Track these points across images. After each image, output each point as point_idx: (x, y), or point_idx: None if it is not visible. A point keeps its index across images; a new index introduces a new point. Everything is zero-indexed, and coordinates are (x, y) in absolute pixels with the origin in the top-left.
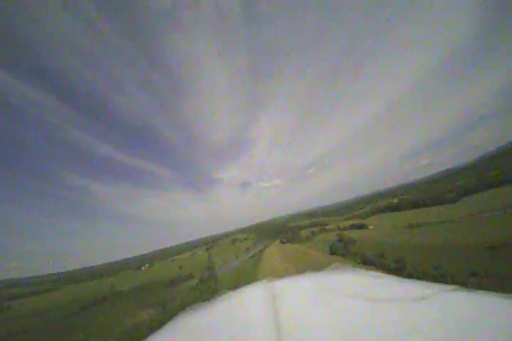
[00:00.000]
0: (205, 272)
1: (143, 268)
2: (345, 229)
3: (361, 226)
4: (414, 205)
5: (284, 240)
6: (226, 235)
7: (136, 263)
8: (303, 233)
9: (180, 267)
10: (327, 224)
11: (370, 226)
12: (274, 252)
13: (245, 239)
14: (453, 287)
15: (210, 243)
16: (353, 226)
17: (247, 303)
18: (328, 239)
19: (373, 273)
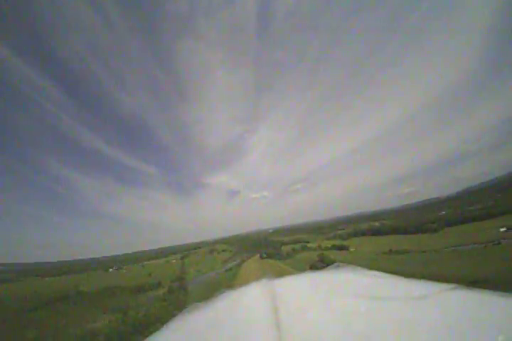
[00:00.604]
0: (176, 282)
1: (111, 270)
2: (326, 248)
3: (342, 248)
4: (396, 231)
5: (264, 255)
6: (204, 244)
7: (105, 264)
8: (284, 249)
9: (149, 274)
10: (308, 242)
11: (351, 249)
12: (253, 268)
13: (223, 251)
14: (453, 286)
15: (187, 251)
16: (334, 247)
17: (247, 303)
18: (309, 258)
19: (373, 272)
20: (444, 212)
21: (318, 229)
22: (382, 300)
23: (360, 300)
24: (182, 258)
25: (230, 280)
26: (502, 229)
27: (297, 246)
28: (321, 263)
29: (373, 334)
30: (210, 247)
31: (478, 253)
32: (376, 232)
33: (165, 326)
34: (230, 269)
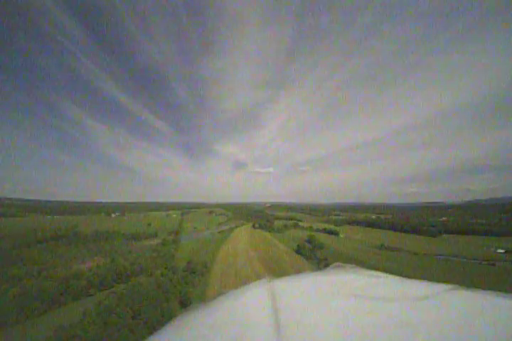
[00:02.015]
0: (171, 235)
1: (113, 215)
2: (317, 230)
3: (333, 232)
4: (391, 227)
5: (257, 225)
6: (205, 205)
7: (109, 209)
8: (277, 224)
9: (149, 224)
10: (301, 221)
11: (341, 235)
12: (244, 234)
13: (221, 214)
14: (453, 286)
15: (188, 209)
16: (325, 230)
17: (247, 303)
18: (298, 236)
19: (373, 272)
20: (445, 218)
21: (314, 211)
22: (382, 301)
23: (360, 301)
24: (182, 214)
25: (220, 242)
26: (500, 250)
27: (290, 223)
28: (308, 244)
29: (373, 335)
30: (210, 209)
31: (471, 270)
32: (371, 224)
33: (165, 326)
34: (223, 231)
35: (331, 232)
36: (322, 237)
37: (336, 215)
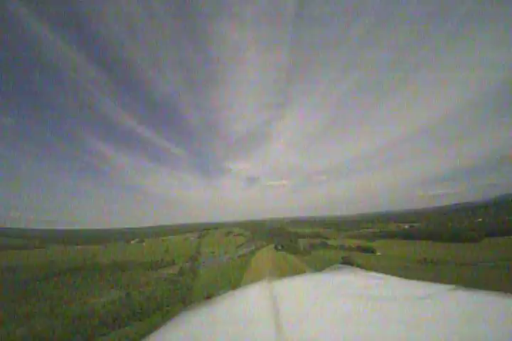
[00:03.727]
0: (189, 262)
1: (132, 242)
2: (350, 249)
3: (368, 250)
4: (429, 236)
5: (279, 247)
6: (221, 225)
7: (128, 236)
8: (301, 243)
9: (166, 250)
10: (328, 238)
11: (378, 252)
12: (266, 258)
13: (239, 235)
14: (453, 286)
15: (205, 230)
16: (358, 248)
17: (248, 303)
18: (329, 257)
19: (373, 273)
20: (480, 219)
21: (340, 224)
22: (382, 301)
23: (360, 301)
24: (199, 236)
25: (240, 270)
26: None
27: (316, 241)
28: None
29: (374, 335)
30: (227, 229)
31: None
32: (406, 236)
33: (165, 326)
34: (243, 256)
35: (366, 250)
36: (358, 257)
37: (365, 228)
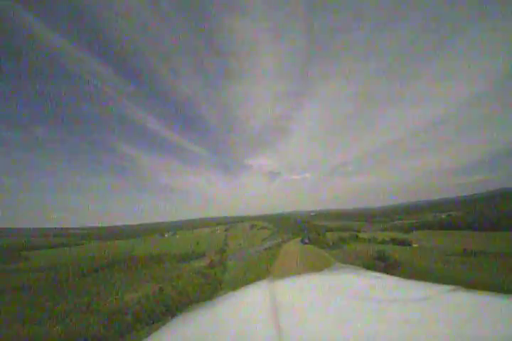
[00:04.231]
0: (218, 254)
1: (166, 235)
2: (383, 242)
3: (403, 242)
4: (468, 226)
5: (306, 240)
6: (246, 218)
7: (162, 230)
8: (330, 236)
9: (197, 242)
10: (359, 231)
11: (414, 244)
12: (294, 251)
13: (263, 228)
14: (453, 287)
15: (230, 223)
16: (393, 241)
17: (248, 303)
18: (361, 251)
19: (374, 273)
20: None
21: (370, 217)
22: (382, 302)
23: (360, 301)
24: (226, 229)
25: (268, 262)
26: None
27: (346, 234)
28: (380, 262)
29: (374, 336)
30: (251, 222)
31: None
32: (444, 226)
33: (165, 326)
34: (270, 248)
35: (401, 243)
36: (393, 250)
37: (398, 220)
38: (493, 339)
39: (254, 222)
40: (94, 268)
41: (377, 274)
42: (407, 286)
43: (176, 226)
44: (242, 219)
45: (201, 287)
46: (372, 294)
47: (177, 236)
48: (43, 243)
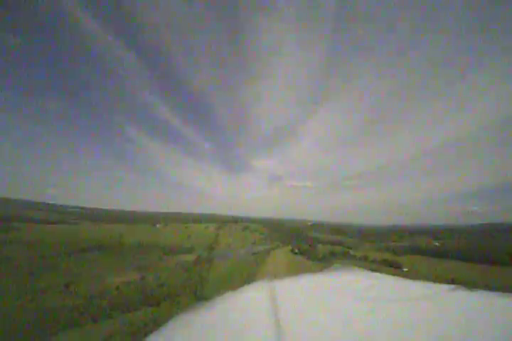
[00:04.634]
0: (206, 252)
1: (158, 225)
2: (374, 261)
3: (394, 265)
4: (460, 256)
5: (296, 250)
6: (239, 219)
7: (155, 219)
8: (321, 249)
9: (188, 236)
10: (351, 248)
11: (405, 268)
12: (282, 261)
13: (256, 231)
14: (453, 287)
15: (223, 222)
16: (384, 262)
17: (247, 303)
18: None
19: (373, 273)
20: None
21: (365, 235)
22: (382, 302)
23: (360, 302)
24: (218, 228)
25: (254, 268)
26: None
27: (337, 249)
28: None
29: (374, 336)
30: (244, 224)
31: None
32: (436, 253)
33: (165, 326)
34: (258, 254)
35: (391, 264)
36: (382, 272)
37: (392, 241)
38: (493, 338)
39: (247, 224)
40: (82, 249)
41: (377, 274)
42: (407, 286)
43: (168, 218)
44: (235, 220)
45: (183, 282)
46: (372, 294)
47: (168, 228)
48: (37, 217)
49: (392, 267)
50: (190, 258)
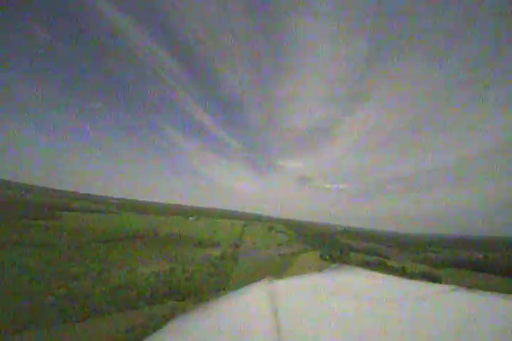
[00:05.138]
0: (231, 248)
1: (190, 218)
2: (412, 274)
3: (432, 278)
4: (505, 272)
5: (327, 256)
6: (263, 218)
7: (187, 212)
8: (354, 257)
9: (215, 231)
10: (388, 258)
11: (444, 283)
12: (310, 266)
13: (281, 232)
14: (453, 287)
15: (249, 220)
16: (421, 275)
17: (247, 303)
18: None
19: (373, 273)
20: None
21: (403, 244)
22: (382, 301)
23: (360, 301)
24: (244, 225)
25: (280, 270)
26: None
27: (372, 259)
28: None
29: (374, 336)
30: (270, 224)
31: None
32: (479, 267)
33: (165, 326)
34: (284, 256)
35: (430, 278)
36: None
37: (433, 252)
38: (493, 338)
39: (272, 224)
40: (120, 238)
41: (377, 274)
42: (407, 286)
43: (200, 212)
44: (259, 218)
45: (209, 277)
46: (372, 294)
47: (198, 222)
48: (80, 206)
49: (430, 281)
50: (215, 252)
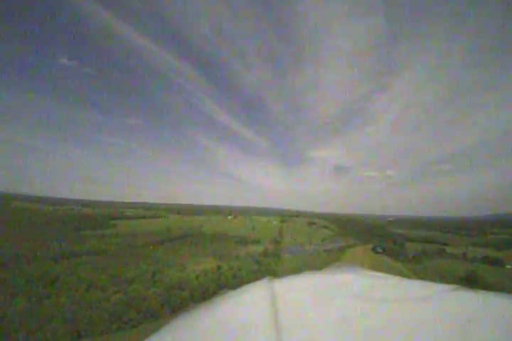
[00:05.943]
0: (272, 244)
1: (229, 217)
2: (474, 259)
3: (495, 262)
4: None
5: (380, 249)
6: (301, 214)
7: (225, 212)
8: (410, 248)
9: (253, 228)
10: (447, 245)
11: (508, 266)
12: (361, 260)
13: (324, 227)
14: (454, 286)
15: (286, 216)
16: (484, 259)
17: (247, 303)
18: (449, 270)
19: (374, 273)
20: None
21: (461, 229)
22: (382, 301)
23: (360, 301)
24: (282, 221)
25: (327, 266)
26: None
27: (431, 247)
28: (470, 283)
29: (374, 335)
30: (309, 219)
31: None
32: None
33: (165, 326)
34: (331, 252)
35: (493, 262)
36: (485, 271)
37: (493, 233)
38: (493, 338)
39: (312, 219)
40: (170, 239)
41: (378, 274)
42: (408, 286)
43: (236, 211)
44: (297, 214)
45: (255, 274)
46: (372, 294)
47: (237, 220)
48: (132, 214)
49: (493, 264)
50: (257, 249)
